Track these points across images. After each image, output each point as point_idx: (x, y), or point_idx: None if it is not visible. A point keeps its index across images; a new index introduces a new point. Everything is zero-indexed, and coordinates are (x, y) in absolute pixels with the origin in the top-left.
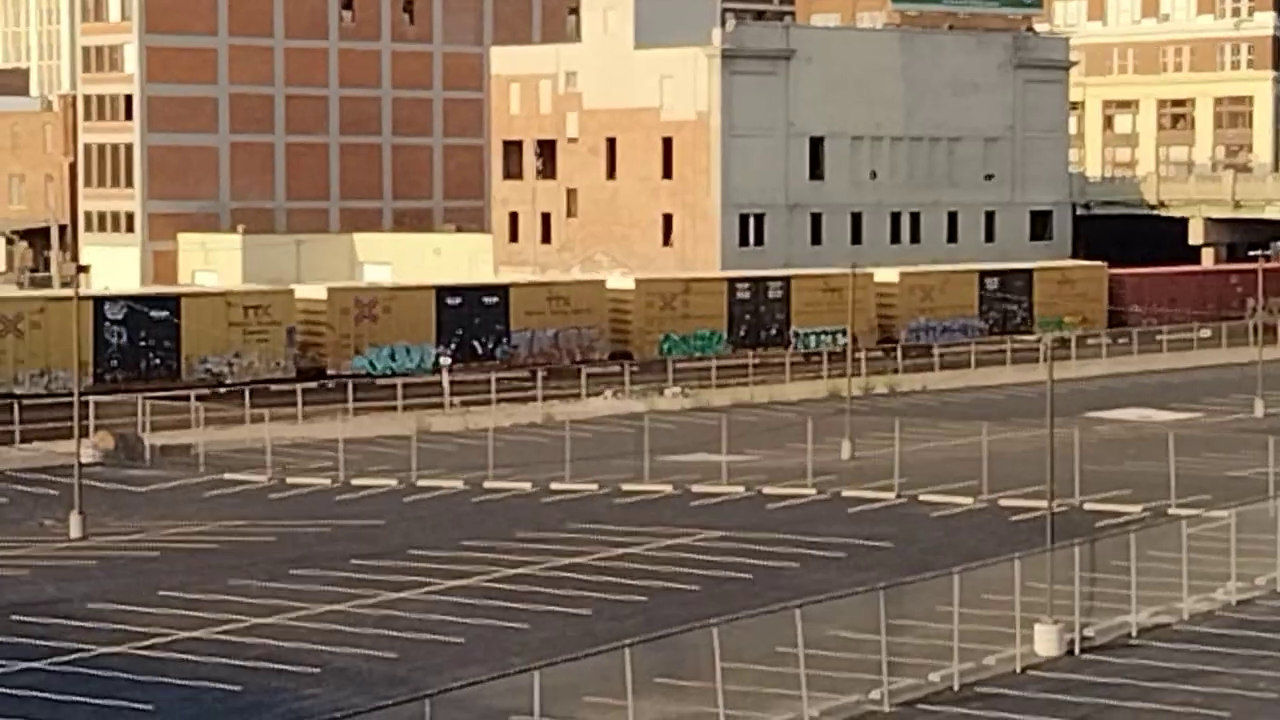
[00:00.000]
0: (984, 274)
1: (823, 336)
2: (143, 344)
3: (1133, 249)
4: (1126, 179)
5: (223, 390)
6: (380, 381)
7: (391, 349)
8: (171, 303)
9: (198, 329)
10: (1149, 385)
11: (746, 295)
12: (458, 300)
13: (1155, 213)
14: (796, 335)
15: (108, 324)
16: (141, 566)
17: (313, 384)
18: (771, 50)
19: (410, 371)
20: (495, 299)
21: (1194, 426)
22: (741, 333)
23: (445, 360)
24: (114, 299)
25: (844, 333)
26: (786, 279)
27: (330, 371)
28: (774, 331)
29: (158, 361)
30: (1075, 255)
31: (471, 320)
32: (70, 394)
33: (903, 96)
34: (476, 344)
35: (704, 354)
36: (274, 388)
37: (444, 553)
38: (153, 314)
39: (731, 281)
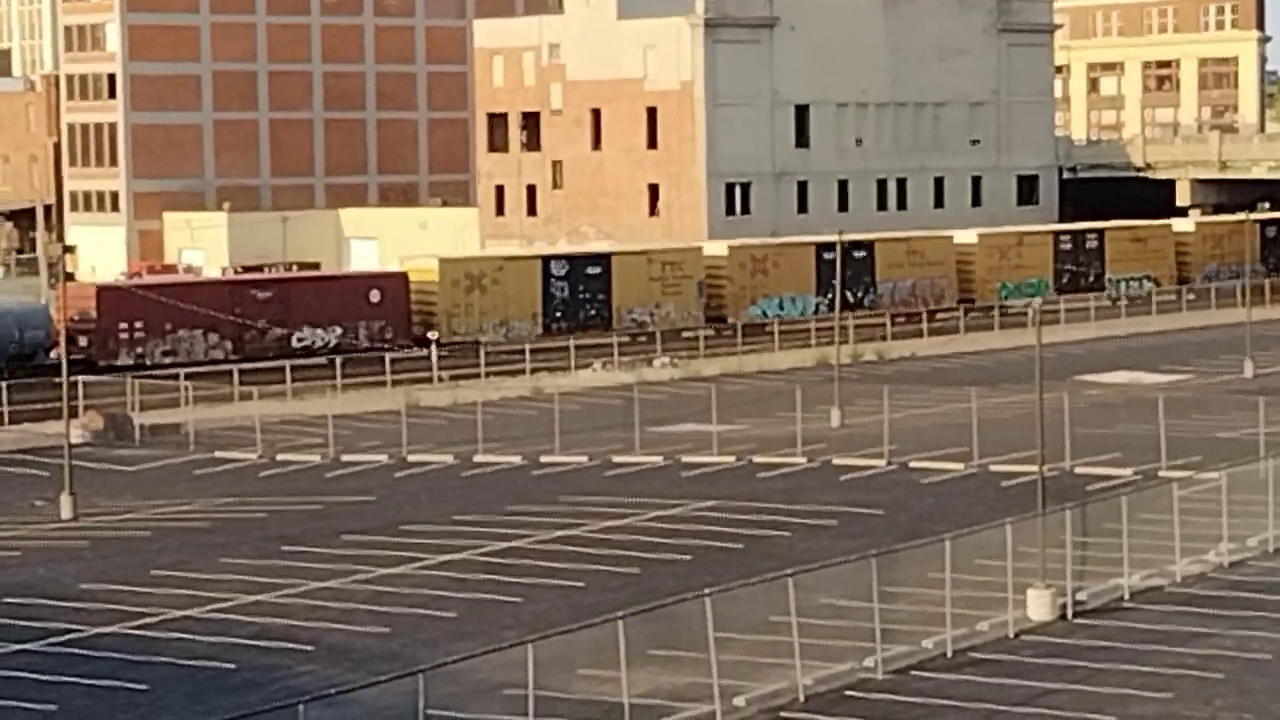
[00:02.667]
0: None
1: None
2: (581, 297)
3: (1119, 212)
4: (1112, 141)
5: (643, 338)
6: (367, 355)
7: (780, 299)
8: (604, 260)
9: (625, 283)
10: (1138, 348)
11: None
12: (831, 255)
13: (1142, 175)
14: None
15: (553, 280)
16: (133, 546)
17: (710, 330)
18: (755, 18)
19: (794, 319)
20: (864, 253)
21: (1184, 389)
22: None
23: (433, 335)
24: (558, 258)
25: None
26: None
27: (729, 320)
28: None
29: (593, 312)
30: (1062, 219)
31: (844, 273)
32: (523, 342)
33: (887, 63)
34: (848, 293)
35: (1031, 297)
36: (683, 333)
37: (436, 527)
38: (589, 270)
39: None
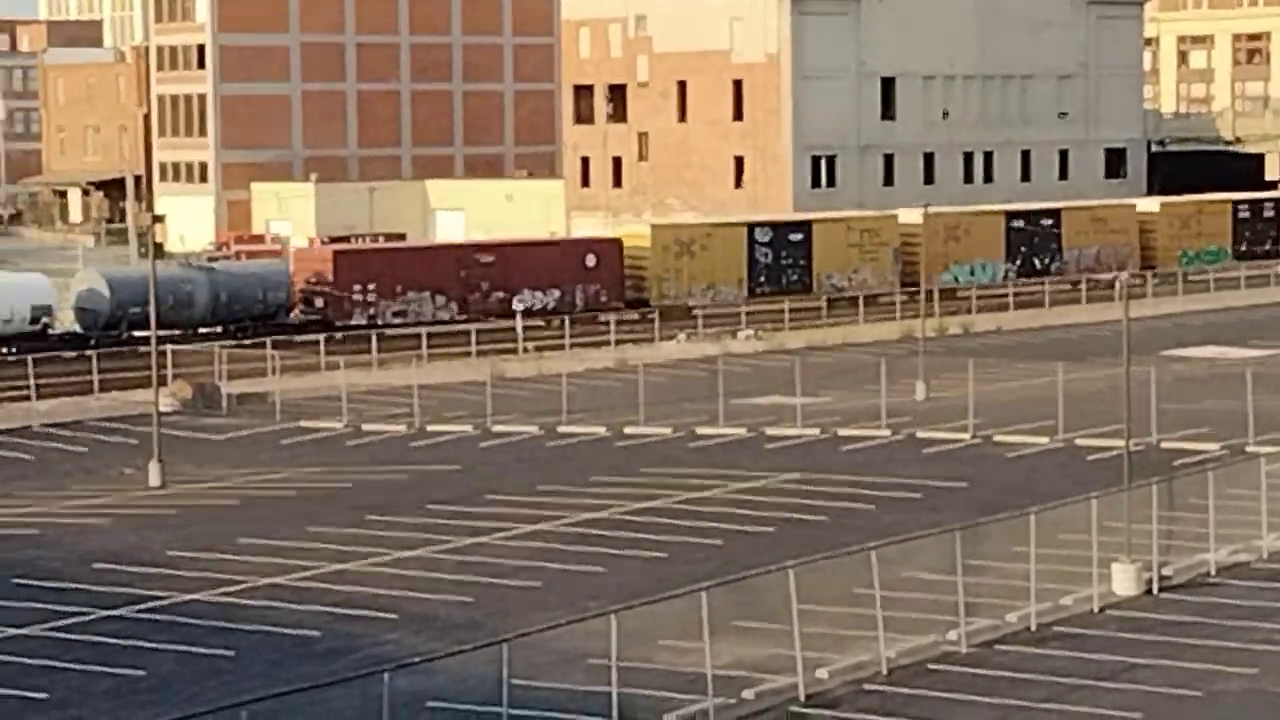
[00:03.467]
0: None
1: None
2: (784, 262)
3: (1208, 186)
4: (1201, 115)
5: (842, 301)
6: (455, 328)
7: (970, 265)
8: (805, 228)
9: (825, 249)
10: (1225, 322)
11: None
12: (1020, 223)
13: (1231, 148)
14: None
15: (757, 246)
16: (220, 514)
17: (905, 293)
18: None
19: (984, 285)
20: (1050, 221)
21: (1272, 363)
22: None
23: (518, 306)
24: (762, 225)
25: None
26: None
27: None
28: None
29: (795, 277)
30: (1150, 193)
31: (1031, 240)
32: (730, 304)
33: (975, 35)
34: (1035, 260)
35: (1211, 265)
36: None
37: (520, 497)
38: (791, 237)
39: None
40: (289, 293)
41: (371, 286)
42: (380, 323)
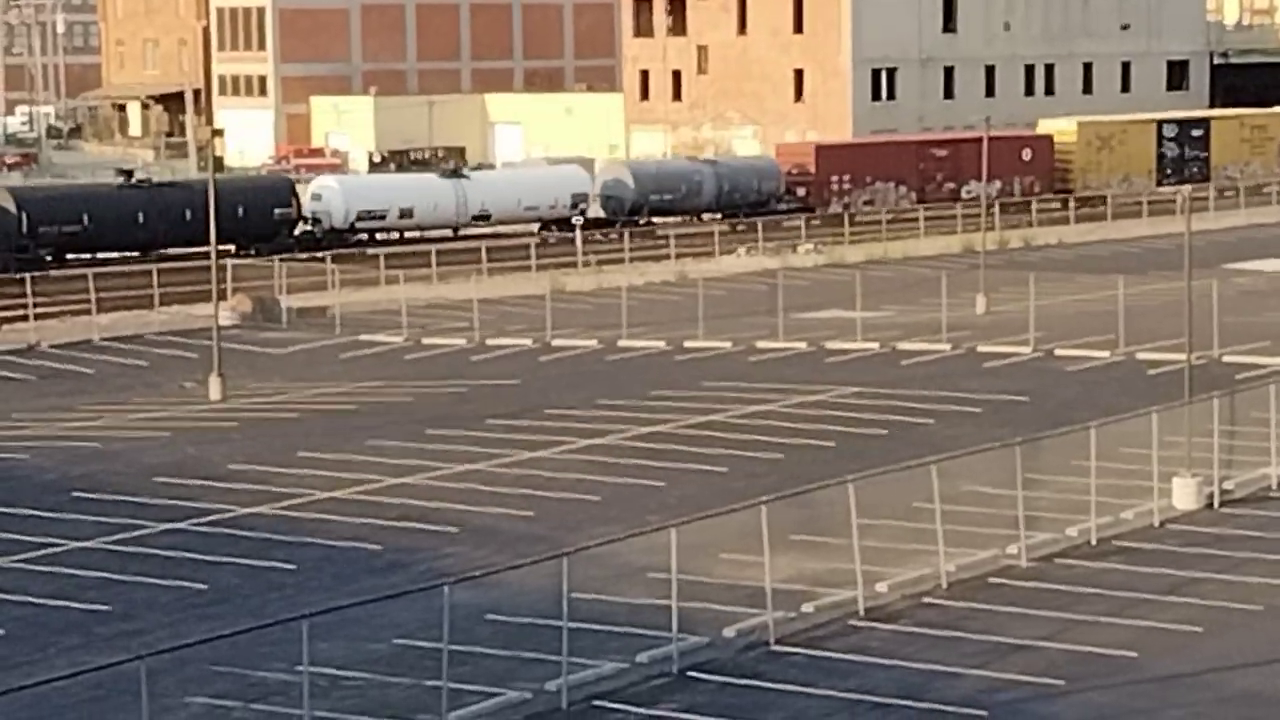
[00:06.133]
0: None
1: None
2: (1187, 155)
3: (1272, 99)
4: (1265, 26)
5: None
6: (513, 241)
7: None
8: (1205, 124)
9: (1222, 144)
10: None
11: None
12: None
13: None
14: None
15: (1164, 141)
16: (280, 428)
17: None
18: None
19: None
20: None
21: None
22: None
23: (577, 220)
24: (1169, 121)
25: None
26: None
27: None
28: None
29: (1195, 169)
30: (1212, 105)
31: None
32: (1140, 195)
33: None
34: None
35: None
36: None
37: (580, 411)
38: (1193, 133)
39: None
40: (780, 183)
41: (846, 177)
42: (852, 210)
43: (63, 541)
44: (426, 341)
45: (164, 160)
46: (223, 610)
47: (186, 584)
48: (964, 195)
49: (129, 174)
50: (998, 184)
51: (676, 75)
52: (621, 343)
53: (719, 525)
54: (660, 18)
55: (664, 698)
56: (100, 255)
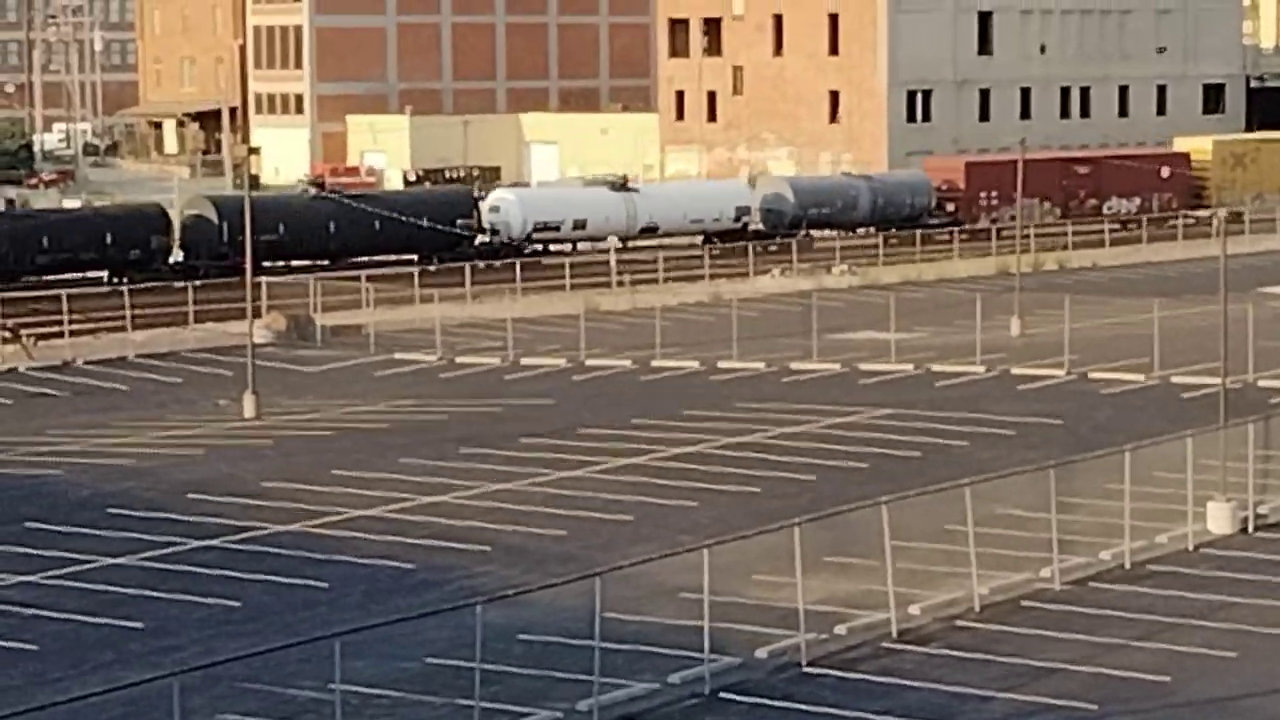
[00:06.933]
0: None
1: None
2: None
3: None
4: None
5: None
6: (549, 261)
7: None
8: None
9: None
10: None
11: None
12: None
13: None
14: None
15: None
16: (314, 446)
17: None
18: None
19: None
20: None
21: None
22: None
23: (614, 241)
24: None
25: None
26: None
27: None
28: None
29: None
30: (1249, 129)
31: None
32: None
33: None
34: None
35: None
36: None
37: (613, 431)
38: None
39: None
40: (930, 198)
41: (994, 193)
42: (998, 226)
43: (96, 558)
44: (460, 360)
45: (199, 178)
46: (255, 627)
47: (219, 601)
48: (1105, 211)
49: (320, 184)
50: (1138, 200)
51: (711, 96)
52: (655, 363)
53: (752, 546)
54: (696, 38)
55: (696, 718)
56: (293, 263)
